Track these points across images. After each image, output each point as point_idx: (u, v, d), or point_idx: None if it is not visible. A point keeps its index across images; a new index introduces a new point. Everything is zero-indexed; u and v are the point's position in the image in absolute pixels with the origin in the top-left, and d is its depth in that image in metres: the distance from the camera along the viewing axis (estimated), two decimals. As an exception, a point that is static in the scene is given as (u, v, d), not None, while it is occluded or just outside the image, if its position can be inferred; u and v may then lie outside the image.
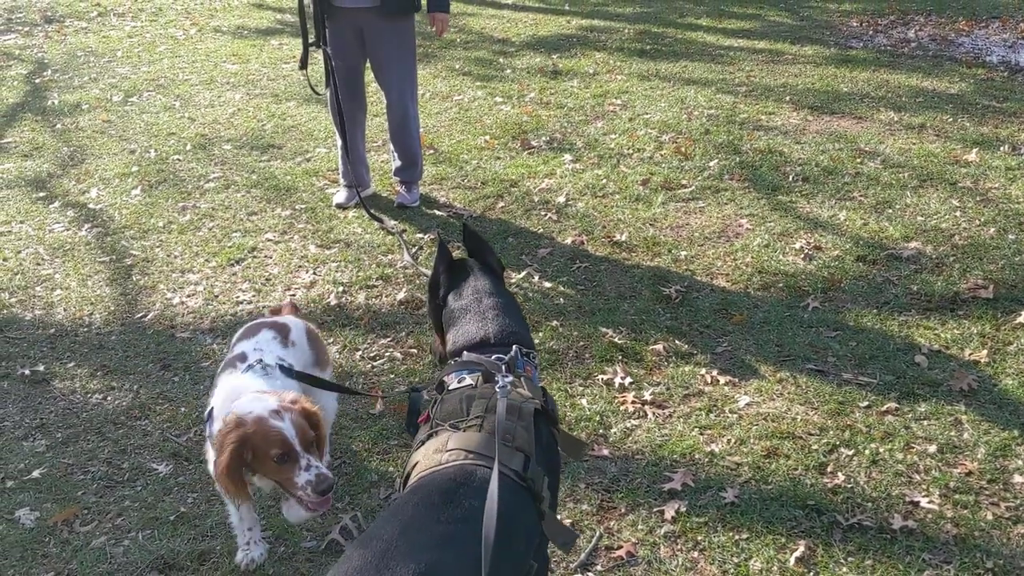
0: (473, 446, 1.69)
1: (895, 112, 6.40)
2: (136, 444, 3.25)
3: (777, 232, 4.69)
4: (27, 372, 3.71)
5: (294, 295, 4.24)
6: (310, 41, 4.73)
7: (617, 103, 6.84)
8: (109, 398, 3.54)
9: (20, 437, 3.31)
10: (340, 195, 5.21)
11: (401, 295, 4.20)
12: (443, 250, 2.26)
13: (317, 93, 5.16)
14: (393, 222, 4.91)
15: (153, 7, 10.90)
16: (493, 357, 1.94)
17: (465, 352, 1.99)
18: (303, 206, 5.23)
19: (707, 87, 7.18)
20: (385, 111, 5.06)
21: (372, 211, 4.94)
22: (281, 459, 2.21)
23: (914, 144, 5.77)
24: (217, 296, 4.29)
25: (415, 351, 3.78)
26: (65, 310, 4.21)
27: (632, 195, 5.21)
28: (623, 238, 4.70)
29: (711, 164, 5.59)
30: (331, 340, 3.85)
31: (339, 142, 5.07)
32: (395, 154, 5.15)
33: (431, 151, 5.95)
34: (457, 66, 8.04)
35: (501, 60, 8.20)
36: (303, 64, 4.78)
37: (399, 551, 1.47)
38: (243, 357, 2.58)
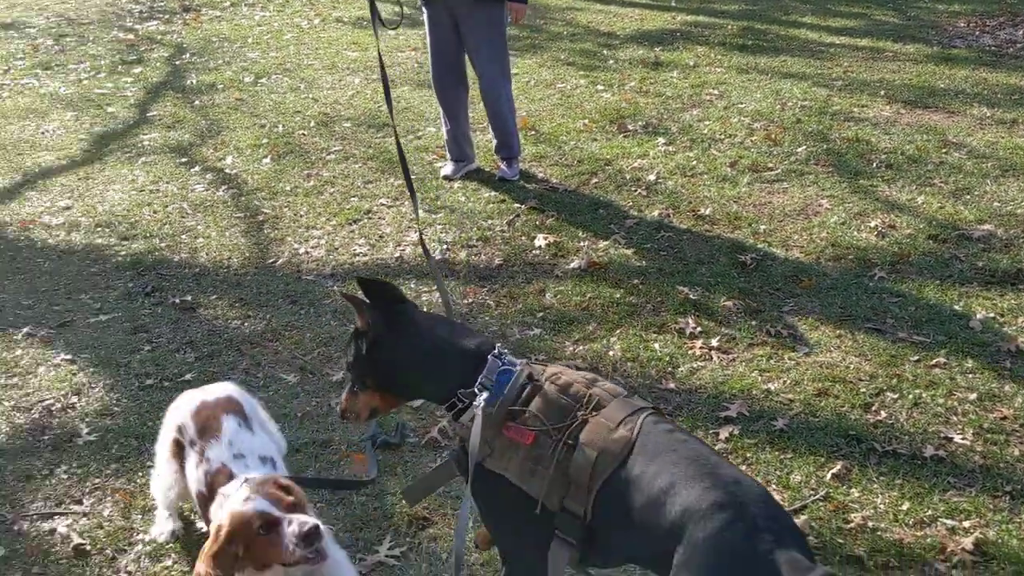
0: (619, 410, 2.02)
1: (988, 108, 6.53)
2: (269, 360, 3.80)
3: (855, 212, 4.97)
4: (177, 301, 4.32)
5: (403, 250, 4.76)
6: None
7: (714, 93, 7.15)
8: (246, 324, 4.11)
9: (173, 350, 3.91)
10: (447, 168, 5.71)
11: (498, 259, 4.66)
12: (360, 304, 2.20)
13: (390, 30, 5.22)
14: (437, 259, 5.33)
15: (282, -1, 11.69)
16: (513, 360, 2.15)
17: (490, 356, 2.12)
18: (413, 177, 5.75)
19: (803, 80, 7.42)
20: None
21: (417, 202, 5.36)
22: (266, 529, 2.14)
23: (1002, 138, 5.91)
24: (337, 248, 4.83)
25: (506, 300, 4.23)
26: (207, 254, 4.82)
27: (719, 175, 5.55)
28: (707, 212, 5.05)
29: (799, 150, 5.87)
30: (435, 288, 4.34)
31: (444, 119, 5.57)
32: (492, 133, 5.62)
33: (532, 132, 6.40)
34: (562, 56, 8.46)
35: (605, 52, 8.59)
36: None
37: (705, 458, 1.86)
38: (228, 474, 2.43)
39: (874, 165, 5.57)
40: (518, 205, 5.25)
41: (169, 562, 2.75)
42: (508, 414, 2.04)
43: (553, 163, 5.88)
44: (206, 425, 2.52)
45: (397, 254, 4.75)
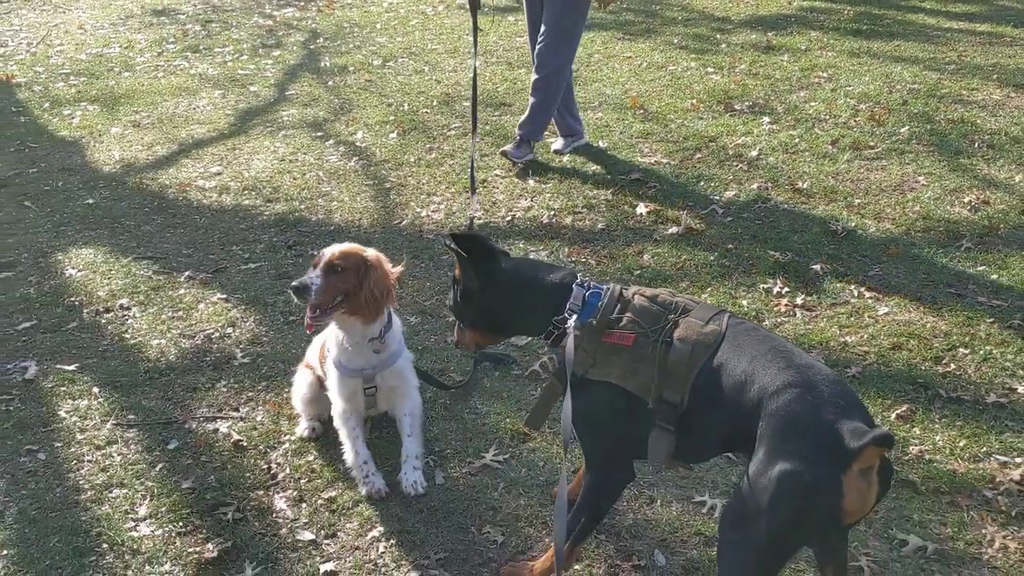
0: (708, 311, 2.33)
1: (1104, 90, 6.49)
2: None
3: (950, 188, 5.13)
4: (314, 253, 4.86)
5: (514, 214, 5.19)
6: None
7: (823, 76, 7.31)
8: (373, 274, 4.62)
9: (311, 293, 4.45)
10: (557, 143, 6.11)
11: (601, 224, 5.04)
12: (460, 255, 2.51)
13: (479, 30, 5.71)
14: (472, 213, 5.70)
15: (409, -13, 12.30)
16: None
17: (574, 286, 2.44)
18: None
19: (915, 64, 7.49)
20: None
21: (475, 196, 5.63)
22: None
23: (1114, 119, 5.91)
24: (455, 212, 5.30)
25: (606, 260, 4.60)
26: (340, 215, 5.36)
27: (820, 152, 5.77)
28: (804, 186, 5.30)
29: (902, 130, 6.02)
30: (541, 247, 4.75)
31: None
32: (529, 106, 5.74)
33: (641, 111, 6.73)
34: (675, 40, 8.73)
35: (717, 36, 8.82)
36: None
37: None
38: None
39: (975, 145, 5.68)
40: (622, 176, 5.60)
41: (310, 457, 3.26)
42: (607, 324, 2.35)
43: (659, 140, 6.20)
44: None
45: (508, 218, 5.18)
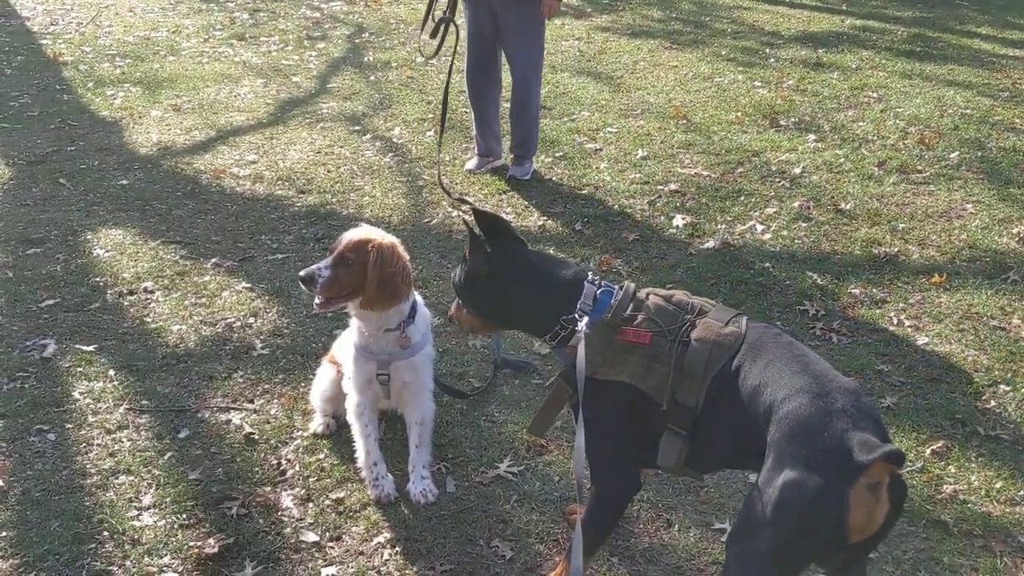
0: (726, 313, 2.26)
1: None
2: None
3: (999, 218, 4.95)
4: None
5: (547, 220, 5.09)
6: (442, 17, 5.38)
7: (872, 96, 7.14)
8: (399, 272, 4.55)
9: (335, 287, 4.38)
10: (471, 162, 5.91)
11: (635, 234, 4.92)
12: (475, 237, 2.47)
13: (424, 56, 5.74)
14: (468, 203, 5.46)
15: (458, -14, 12.26)
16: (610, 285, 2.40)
17: (586, 283, 2.37)
18: (562, 155, 6.08)
19: (968, 89, 7.29)
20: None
21: (449, 191, 5.42)
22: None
23: None
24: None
25: (637, 271, 4.49)
26: (371, 211, 5.30)
27: (865, 174, 5.61)
28: (848, 207, 5.15)
29: (951, 156, 5.84)
30: (572, 254, 4.65)
31: (472, 114, 5.74)
32: (512, 130, 5.69)
33: (683, 121, 6.61)
34: (723, 53, 8.59)
35: (767, 50, 8.66)
36: (433, 34, 5.41)
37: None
38: None
39: (1029, 174, 5.49)
40: (660, 187, 5.48)
41: (321, 455, 3.19)
42: (620, 321, 2.27)
43: (700, 151, 6.07)
44: None
45: (540, 223, 5.08)
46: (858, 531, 1.84)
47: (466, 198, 5.38)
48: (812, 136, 6.25)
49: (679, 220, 5.02)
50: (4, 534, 2.76)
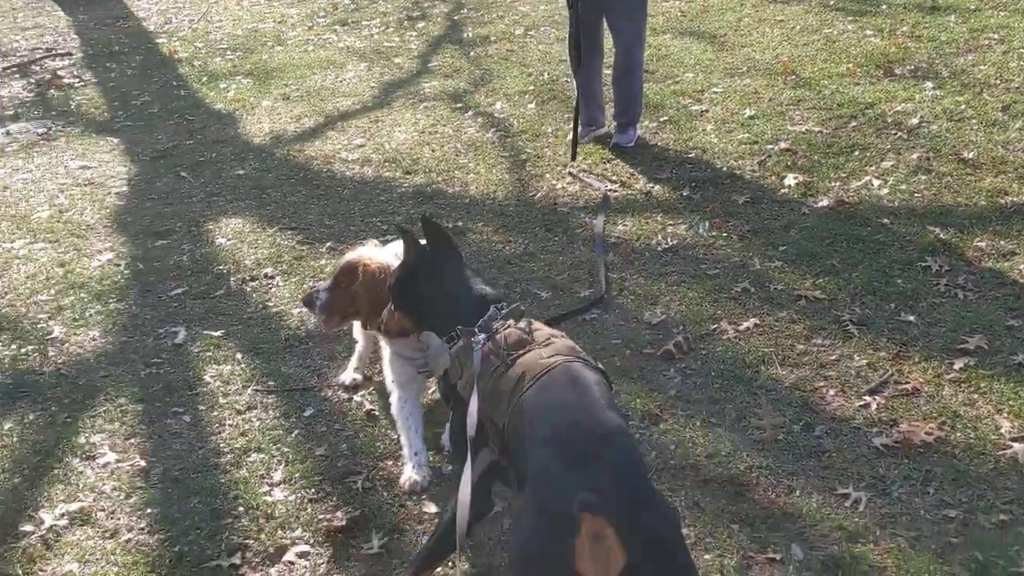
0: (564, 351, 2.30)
1: None
2: (526, 277, 4.26)
3: None
4: (450, 225, 4.87)
5: (653, 187, 5.04)
6: None
7: (994, 37, 6.74)
8: (507, 247, 4.59)
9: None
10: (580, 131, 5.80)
11: (746, 196, 4.82)
12: (410, 240, 2.60)
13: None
14: (600, 184, 5.23)
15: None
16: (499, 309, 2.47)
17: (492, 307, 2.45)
18: (667, 119, 5.99)
19: (1104, 22, 6.81)
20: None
21: (574, 171, 5.37)
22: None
23: None
24: (592, 185, 5.19)
25: (750, 234, 4.40)
26: (476, 188, 5.35)
27: (989, 120, 5.32)
28: (971, 156, 4.90)
29: (1085, 95, 5.48)
30: (680, 221, 4.59)
31: (574, 83, 5.61)
32: (615, 97, 5.60)
33: (792, 76, 6.40)
34: (831, 2, 8.24)
35: (877, -4, 8.28)
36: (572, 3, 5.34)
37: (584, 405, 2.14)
38: None
39: None
40: (770, 146, 5.34)
41: (439, 430, 3.26)
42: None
43: (811, 107, 5.88)
44: None
45: (647, 189, 5.03)
46: None
47: (585, 176, 5.35)
48: (930, 84, 5.96)
49: (791, 179, 4.88)
50: (150, 511, 2.94)
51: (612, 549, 1.81)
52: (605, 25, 5.54)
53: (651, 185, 5.08)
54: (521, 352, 2.29)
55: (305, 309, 2.98)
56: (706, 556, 2.62)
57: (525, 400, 2.16)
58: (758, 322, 3.74)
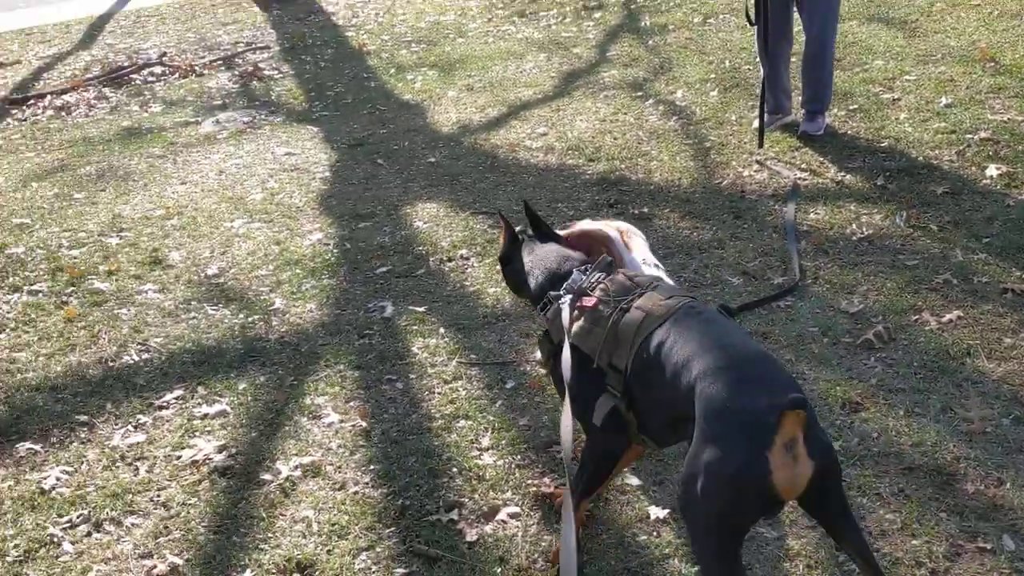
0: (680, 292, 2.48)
1: None
2: (715, 263, 4.31)
3: None
4: (636, 212, 4.98)
5: (844, 176, 4.97)
6: None
7: None
8: (694, 233, 4.65)
9: (635, 249, 4.57)
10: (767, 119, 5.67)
11: (944, 187, 4.68)
12: (508, 226, 3.00)
13: (751, 23, 5.54)
14: (789, 172, 5.16)
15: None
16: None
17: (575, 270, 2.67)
18: (856, 107, 5.87)
19: None
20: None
21: (761, 159, 5.33)
22: None
23: None
24: (779, 172, 5.17)
25: (949, 226, 4.28)
26: (660, 175, 5.42)
27: None
28: None
29: None
30: (875, 210, 4.52)
31: (762, 70, 5.51)
32: (804, 84, 5.50)
33: (991, 64, 6.13)
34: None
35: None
36: None
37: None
38: None
39: None
40: (969, 136, 5.16)
41: (637, 407, 3.38)
42: (582, 292, 2.53)
43: (1013, 95, 5.64)
44: None
45: (838, 178, 4.98)
46: (787, 491, 1.95)
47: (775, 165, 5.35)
48: None
49: (992, 170, 4.71)
50: (372, 467, 3.20)
51: (801, 457, 1.93)
52: (795, 11, 5.49)
53: (842, 174, 5.02)
54: (632, 296, 2.42)
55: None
56: (914, 542, 2.63)
57: (657, 339, 2.28)
58: (961, 314, 3.66)
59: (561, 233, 3.11)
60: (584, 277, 2.59)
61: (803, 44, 5.52)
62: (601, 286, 2.52)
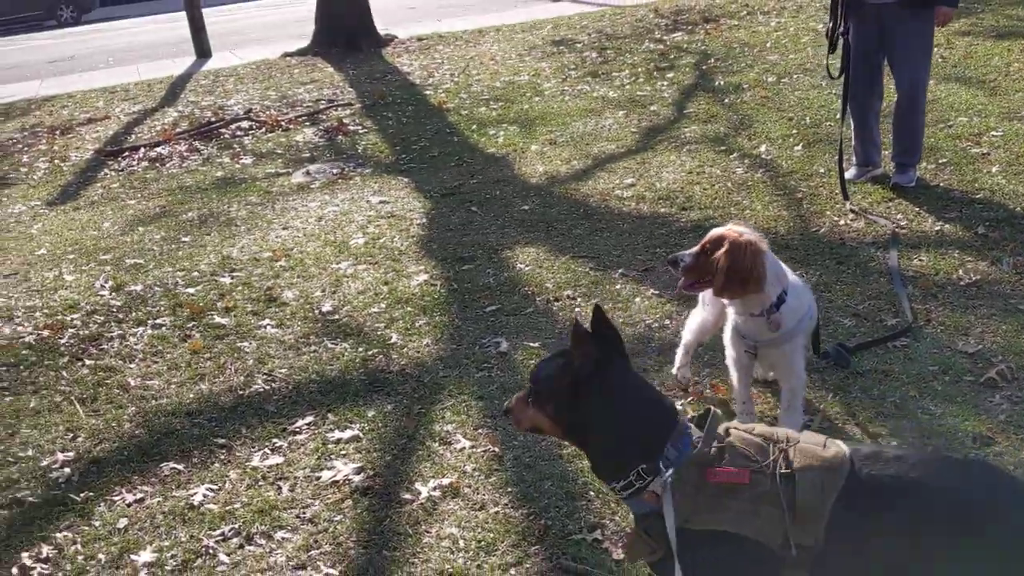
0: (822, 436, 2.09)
1: None
2: (824, 305, 4.38)
3: None
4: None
5: (943, 226, 5.04)
6: (839, 30, 5.45)
7: None
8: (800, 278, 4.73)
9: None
10: (850, 172, 5.88)
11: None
12: (586, 338, 2.13)
13: (832, 76, 5.72)
14: (884, 221, 5.24)
15: (795, 5, 12.24)
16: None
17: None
18: (944, 161, 5.96)
19: None
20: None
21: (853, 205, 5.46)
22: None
23: None
24: (874, 223, 5.25)
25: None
26: (754, 223, 5.50)
27: None
28: None
29: None
30: (980, 259, 4.58)
31: (851, 123, 5.71)
32: (894, 137, 5.66)
33: (1078, 119, 6.21)
34: (1110, 45, 7.91)
35: None
36: (832, 48, 5.56)
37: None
38: None
39: None
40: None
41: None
42: (707, 460, 2.01)
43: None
44: None
45: (936, 228, 5.04)
46: None
47: (866, 211, 5.44)
48: None
49: (1096, 219, 4.76)
50: (510, 489, 3.29)
51: None
52: (886, 65, 5.63)
53: (940, 223, 5.09)
54: (777, 456, 1.99)
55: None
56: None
57: (859, 492, 1.91)
58: (1083, 357, 3.70)
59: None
60: (688, 441, 2.05)
61: (894, 98, 5.64)
62: (731, 449, 2.03)
